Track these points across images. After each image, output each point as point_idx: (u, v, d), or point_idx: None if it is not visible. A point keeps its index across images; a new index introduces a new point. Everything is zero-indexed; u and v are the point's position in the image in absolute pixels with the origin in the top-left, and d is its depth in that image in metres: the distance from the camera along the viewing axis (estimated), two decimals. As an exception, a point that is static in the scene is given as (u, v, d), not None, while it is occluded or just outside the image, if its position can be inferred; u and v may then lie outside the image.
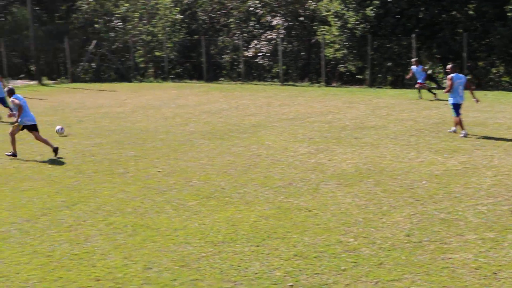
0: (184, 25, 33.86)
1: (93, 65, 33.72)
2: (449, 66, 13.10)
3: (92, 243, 6.63)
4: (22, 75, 34.44)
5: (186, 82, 29.93)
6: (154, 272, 5.76)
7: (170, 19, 32.82)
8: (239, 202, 8.09)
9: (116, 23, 33.93)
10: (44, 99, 22.48)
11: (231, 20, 34.23)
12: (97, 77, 32.59)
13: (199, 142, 12.73)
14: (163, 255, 6.19)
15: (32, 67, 33.68)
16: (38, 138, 11.60)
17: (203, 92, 24.06)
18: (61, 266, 5.87)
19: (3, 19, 35.30)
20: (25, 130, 11.60)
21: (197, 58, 32.33)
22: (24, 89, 26.77)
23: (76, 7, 35.55)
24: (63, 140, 13.37)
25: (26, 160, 11.03)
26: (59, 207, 8.01)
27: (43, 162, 10.94)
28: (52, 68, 36.13)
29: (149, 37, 32.56)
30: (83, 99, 23.03)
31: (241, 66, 30.59)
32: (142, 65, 33.18)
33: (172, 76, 31.64)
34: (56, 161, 10.97)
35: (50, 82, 31.12)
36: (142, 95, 23.77)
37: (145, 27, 32.73)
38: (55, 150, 11.39)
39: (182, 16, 33.96)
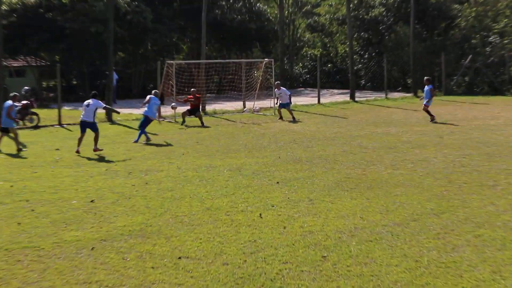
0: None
1: (466, 78, 33.57)
2: None
3: (459, 253, 6.51)
4: (399, 88, 36.45)
5: None
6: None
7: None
8: None
9: (494, 38, 33.81)
10: (418, 110, 23.21)
11: None
12: (470, 90, 32.86)
13: None
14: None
15: (409, 81, 35.34)
16: None
17: None
18: (429, 273, 5.92)
19: (387, 36, 38.05)
20: None
21: None
22: (400, 101, 28.47)
23: (455, 24, 36.66)
24: (434, 149, 13.59)
25: (398, 168, 11.53)
26: (428, 214, 8.12)
27: (414, 170, 11.25)
28: (427, 82, 37.25)
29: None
30: (455, 110, 23.23)
31: None
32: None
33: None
34: (423, 170, 11.14)
35: (424, 94, 31.82)
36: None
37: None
38: None
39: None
